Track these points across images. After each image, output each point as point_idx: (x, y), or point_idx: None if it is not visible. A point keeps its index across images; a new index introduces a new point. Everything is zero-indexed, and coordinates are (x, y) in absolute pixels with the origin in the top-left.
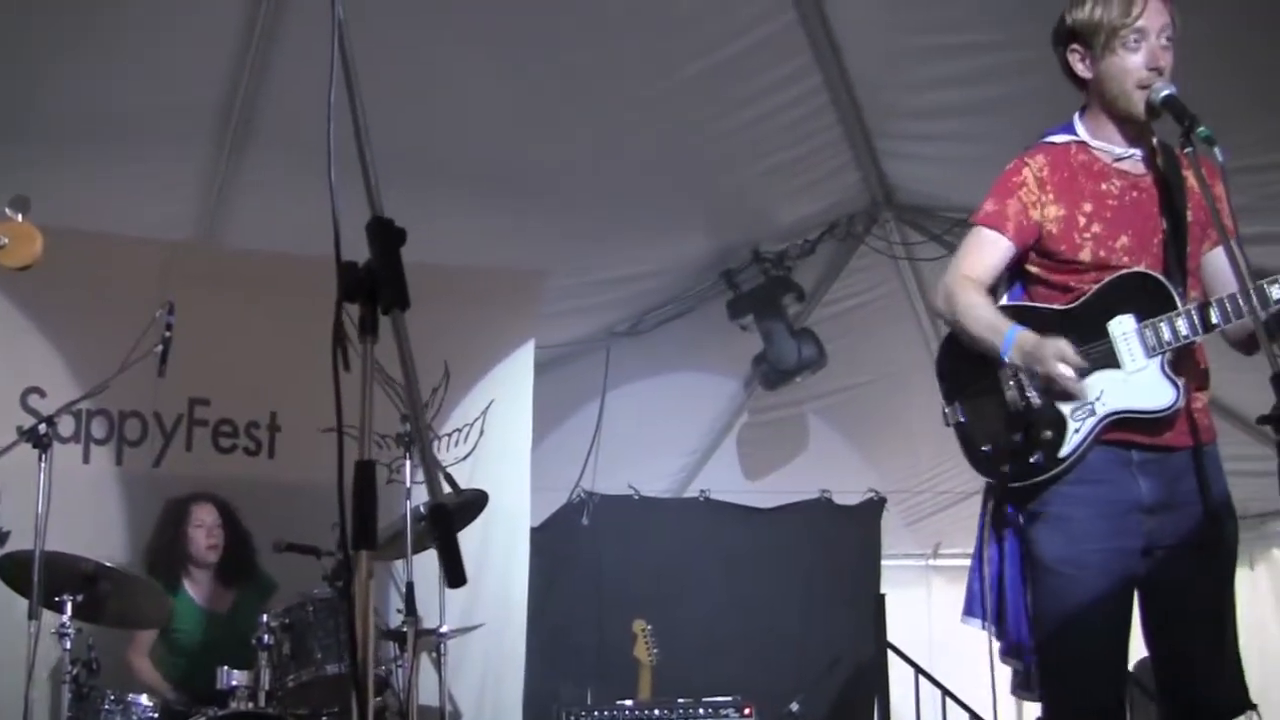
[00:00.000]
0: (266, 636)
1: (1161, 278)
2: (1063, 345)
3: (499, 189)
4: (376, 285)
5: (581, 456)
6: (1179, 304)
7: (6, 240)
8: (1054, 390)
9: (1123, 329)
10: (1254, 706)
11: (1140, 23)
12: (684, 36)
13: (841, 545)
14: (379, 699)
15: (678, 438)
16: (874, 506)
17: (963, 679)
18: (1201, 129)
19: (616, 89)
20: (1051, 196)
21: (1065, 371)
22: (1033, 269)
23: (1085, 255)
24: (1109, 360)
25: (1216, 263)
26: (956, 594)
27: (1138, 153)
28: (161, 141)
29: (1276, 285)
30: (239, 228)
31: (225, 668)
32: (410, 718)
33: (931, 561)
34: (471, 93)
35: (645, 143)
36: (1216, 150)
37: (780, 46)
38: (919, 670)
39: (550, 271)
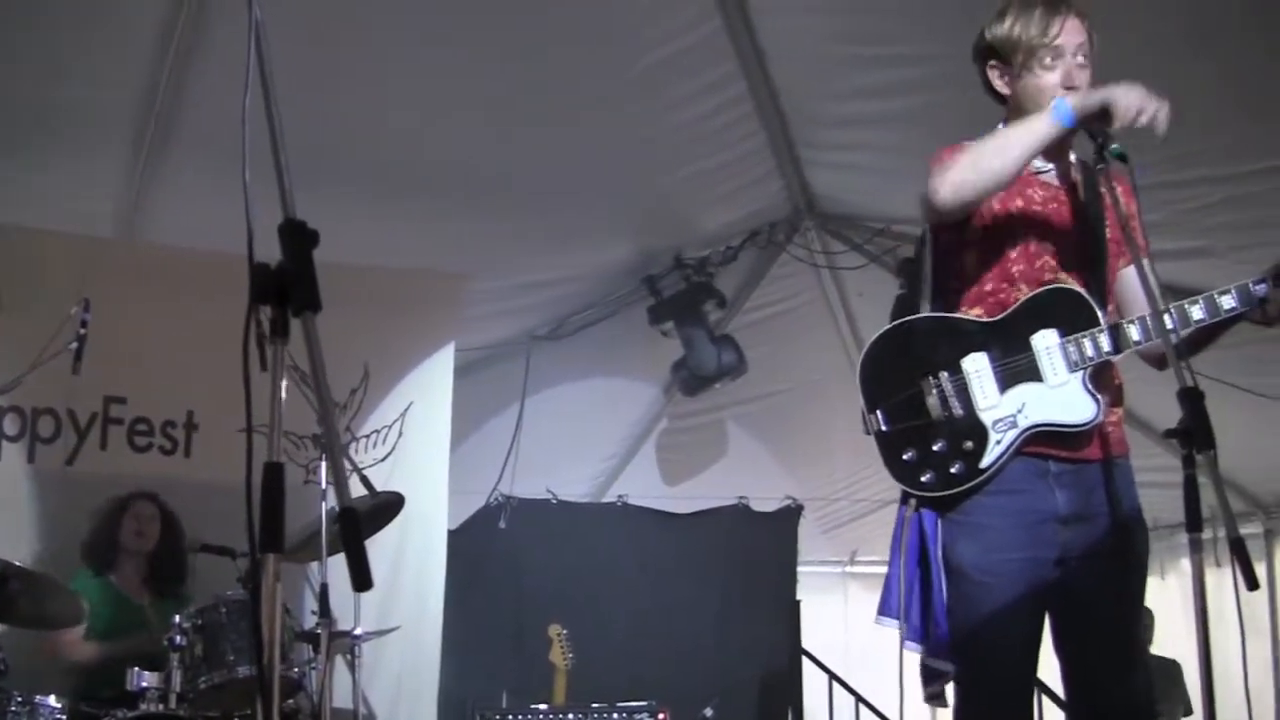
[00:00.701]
0: (179, 637)
1: (1085, 294)
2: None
3: (422, 192)
4: (287, 287)
5: (500, 460)
6: (1101, 320)
7: None
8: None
9: (1045, 343)
10: (1160, 715)
11: (1058, 41)
12: (609, 43)
13: (758, 552)
14: (291, 702)
15: (597, 442)
16: (791, 513)
17: (877, 686)
18: (1114, 146)
19: (542, 94)
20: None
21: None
22: (963, 267)
23: (1004, 259)
24: (1032, 374)
25: (1131, 277)
26: (873, 601)
27: (1053, 167)
28: (81, 139)
29: (1196, 306)
30: (158, 226)
31: (136, 669)
32: None
33: (848, 569)
34: (396, 97)
35: (569, 148)
36: (1129, 166)
37: (705, 54)
38: (833, 676)
39: (471, 274)
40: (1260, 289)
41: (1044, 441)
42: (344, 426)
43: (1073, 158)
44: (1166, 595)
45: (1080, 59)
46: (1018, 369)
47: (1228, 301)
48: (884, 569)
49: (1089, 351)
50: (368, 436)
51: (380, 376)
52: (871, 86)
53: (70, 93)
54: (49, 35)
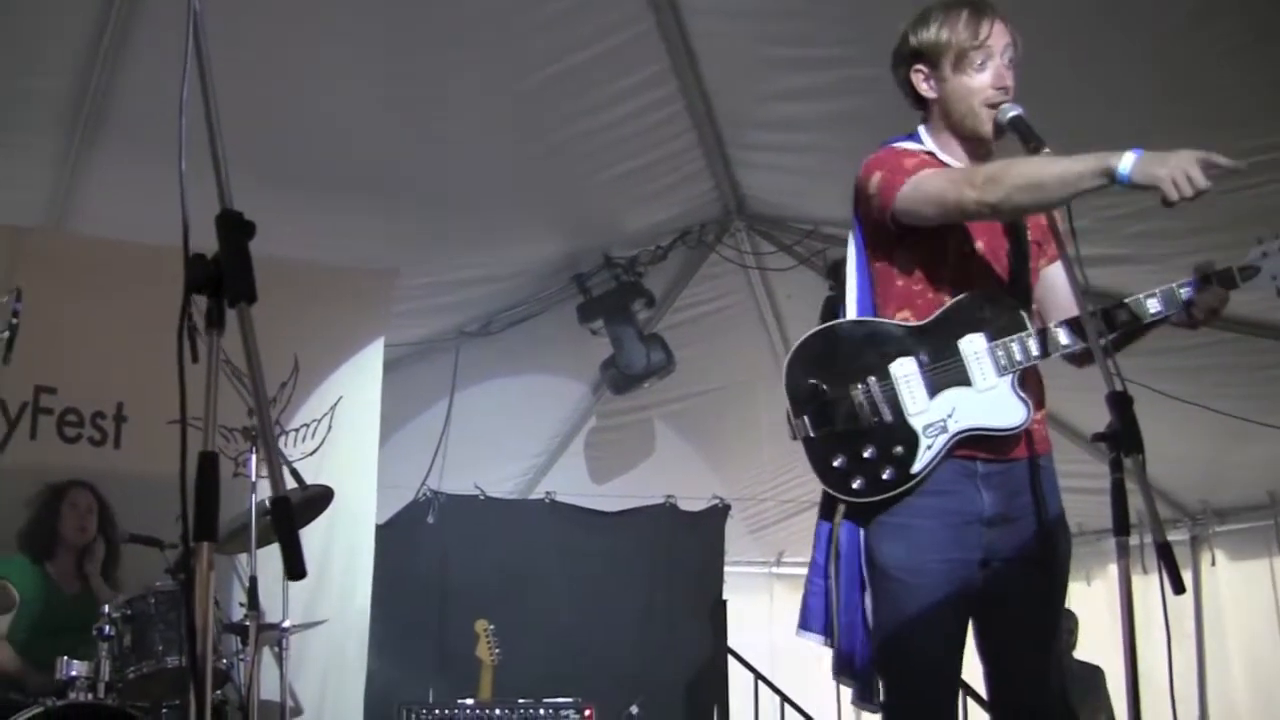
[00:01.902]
0: (107, 628)
1: (1011, 299)
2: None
3: (353, 188)
4: (223, 278)
5: (429, 455)
6: (1028, 324)
7: None
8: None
9: (974, 347)
10: (1076, 718)
11: (988, 43)
12: (540, 40)
13: (685, 551)
14: (219, 693)
15: (525, 439)
16: (718, 513)
17: (802, 686)
18: (1045, 150)
19: (472, 91)
20: None
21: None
22: (892, 266)
23: (948, 261)
24: (960, 378)
25: (1052, 278)
26: (798, 602)
27: None
28: (12, 127)
29: (1121, 310)
30: (90, 216)
31: (65, 658)
32: (251, 712)
33: (775, 569)
34: (327, 93)
35: (499, 145)
36: None
37: (636, 53)
38: (759, 676)
39: (401, 270)
40: (1186, 292)
41: (972, 445)
42: (274, 419)
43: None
44: (1092, 601)
45: (1007, 61)
46: (946, 373)
47: (1153, 305)
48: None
49: (1017, 355)
50: (297, 430)
51: (310, 370)
52: (802, 89)
53: (1, 82)
54: None
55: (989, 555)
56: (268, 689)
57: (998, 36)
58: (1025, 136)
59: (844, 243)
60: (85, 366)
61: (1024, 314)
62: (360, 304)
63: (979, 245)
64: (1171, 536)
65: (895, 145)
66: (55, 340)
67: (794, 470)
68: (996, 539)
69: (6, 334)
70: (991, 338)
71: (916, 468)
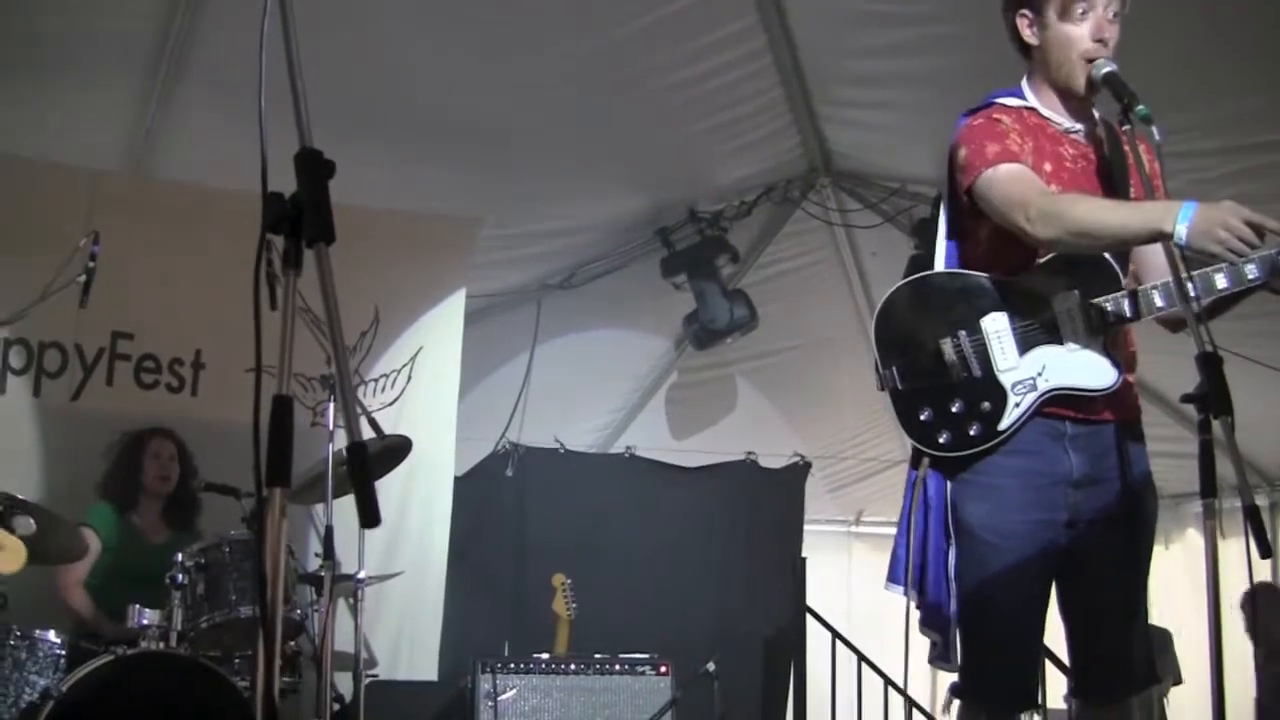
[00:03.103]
0: (180, 576)
1: (1109, 256)
2: (1240, 213)
3: (437, 138)
4: (301, 217)
5: (509, 408)
6: (1122, 283)
7: None
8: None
9: (1066, 304)
10: (1159, 680)
11: None
12: None
13: (764, 508)
14: (293, 644)
15: (606, 393)
16: (798, 471)
17: (880, 646)
18: (1140, 108)
19: (559, 41)
20: (1020, 145)
21: (1242, 239)
22: (982, 224)
23: None
24: (1052, 335)
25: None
26: (878, 561)
27: (1081, 127)
28: (94, 71)
29: (1220, 274)
30: (169, 161)
31: (136, 606)
32: (324, 664)
33: (854, 529)
34: (412, 41)
35: (585, 96)
36: (1154, 129)
37: (726, 6)
38: (836, 635)
39: (484, 220)
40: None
41: (1061, 404)
42: (353, 369)
43: (1097, 115)
44: (1170, 564)
45: (1110, 14)
46: (1037, 331)
47: (1252, 271)
48: (890, 530)
49: (1110, 315)
50: (376, 380)
51: (390, 320)
52: (891, 45)
53: (81, 24)
54: None
55: (1075, 516)
56: (342, 640)
57: None
58: (1119, 93)
59: (929, 201)
60: (163, 312)
61: (1118, 272)
62: (442, 254)
63: None
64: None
65: (995, 102)
66: (133, 286)
67: (875, 429)
68: (1082, 500)
69: (84, 277)
70: (1084, 296)
71: (1004, 424)
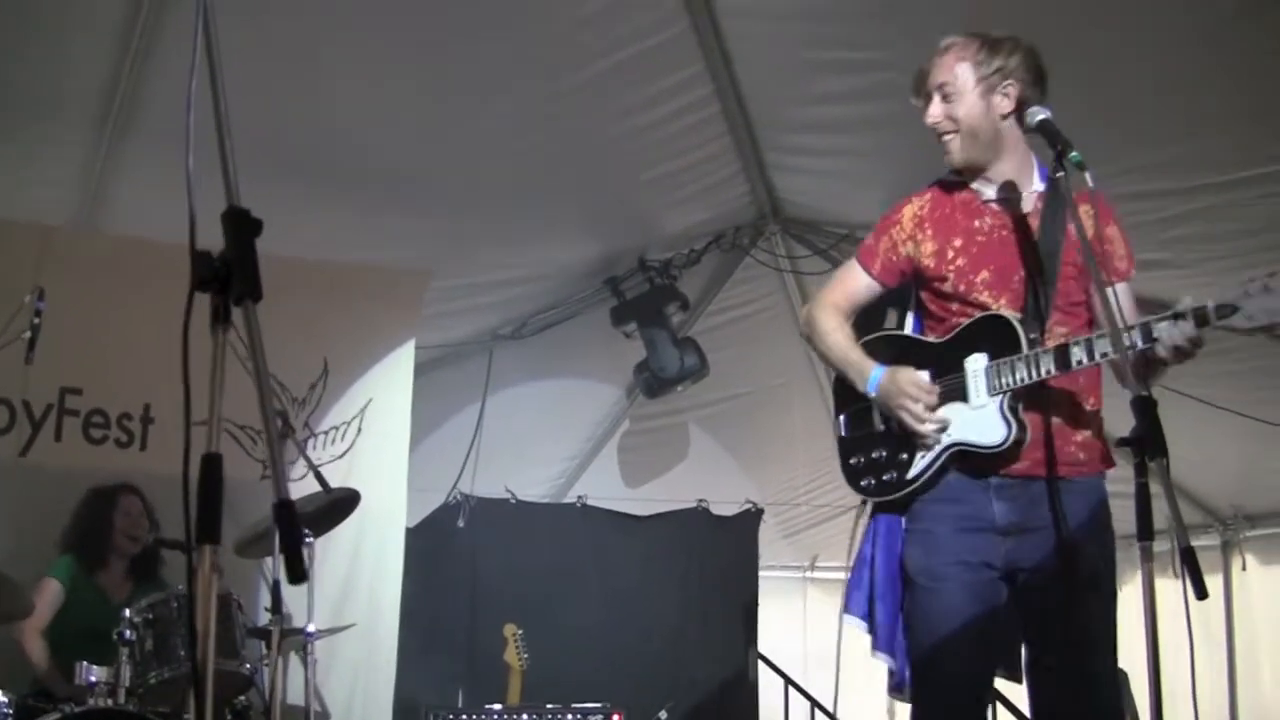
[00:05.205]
0: (128, 631)
1: (1015, 321)
2: (915, 384)
3: (385, 189)
4: (230, 275)
5: (460, 459)
6: (1024, 348)
7: None
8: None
9: (974, 366)
10: None
11: (928, 79)
12: (575, 41)
13: (717, 555)
14: (243, 698)
15: (558, 443)
16: (751, 518)
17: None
18: (1074, 154)
19: (507, 92)
20: (930, 232)
21: (911, 421)
22: (923, 298)
23: (949, 287)
24: (960, 394)
25: (1120, 295)
26: (832, 606)
27: (1007, 196)
28: (41, 126)
29: (1162, 325)
30: (118, 216)
31: (84, 663)
32: (274, 717)
33: (809, 574)
34: (360, 92)
35: (533, 147)
36: (1087, 175)
37: (672, 55)
38: (789, 681)
39: (434, 272)
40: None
41: (971, 459)
42: (303, 422)
43: (1037, 184)
44: (1123, 605)
45: (939, 95)
46: (950, 389)
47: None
48: (844, 575)
49: (1006, 378)
50: (326, 433)
51: (340, 372)
52: (837, 92)
53: (29, 79)
54: (9, 19)
55: (1011, 563)
56: (296, 694)
57: (935, 72)
58: (1052, 140)
59: None
60: (112, 367)
61: (1021, 336)
62: (392, 305)
63: (984, 274)
64: (1203, 541)
65: (941, 179)
66: (81, 341)
67: (828, 474)
68: (1014, 548)
69: (28, 334)
70: (991, 358)
71: (912, 474)
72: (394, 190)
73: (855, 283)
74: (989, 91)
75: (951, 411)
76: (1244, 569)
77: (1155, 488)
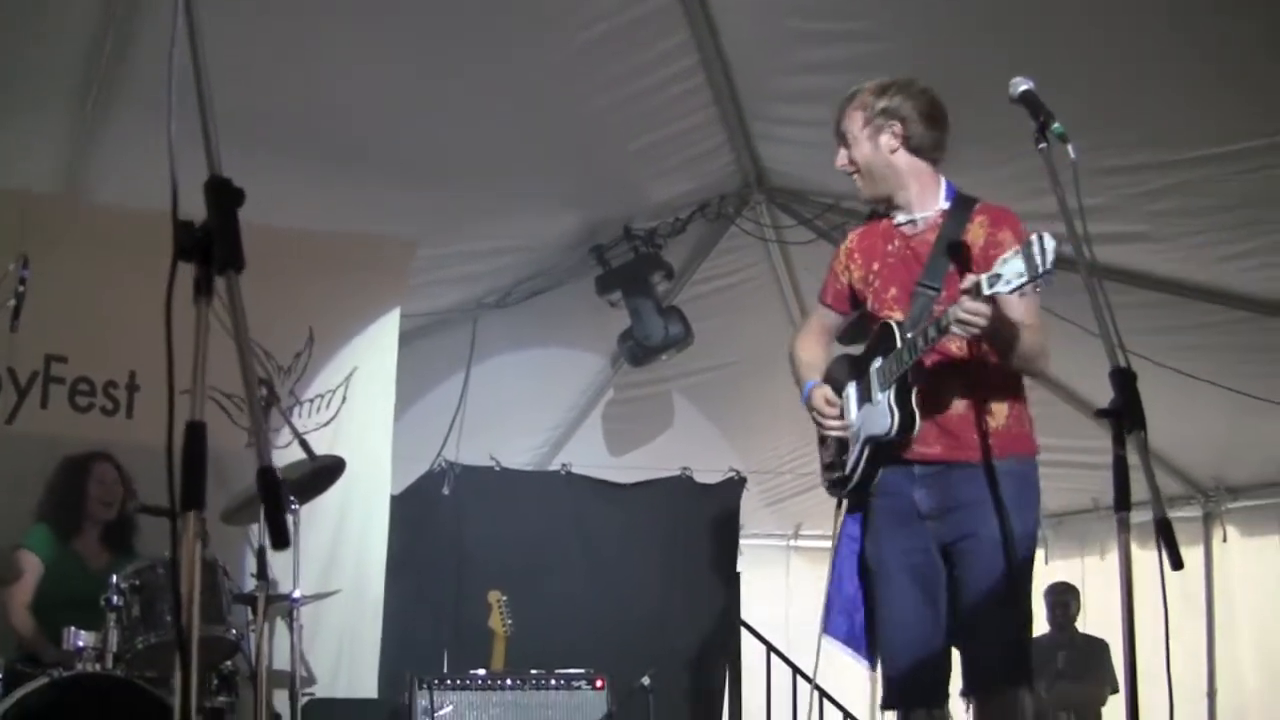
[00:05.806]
0: (115, 598)
1: (894, 324)
2: (823, 399)
3: (371, 159)
4: (211, 245)
5: (445, 427)
6: (897, 343)
7: None
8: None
9: (874, 368)
10: (1029, 679)
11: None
12: (559, 10)
13: (700, 523)
14: (229, 663)
15: (542, 411)
16: (734, 485)
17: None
18: (1056, 126)
19: (491, 62)
20: (859, 260)
21: (822, 428)
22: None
23: (871, 306)
24: (869, 395)
25: (1005, 301)
26: (816, 574)
27: (914, 217)
28: (25, 95)
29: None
30: (101, 184)
31: (71, 629)
32: (260, 682)
33: (792, 542)
34: (345, 63)
35: (518, 116)
36: (1069, 147)
37: (657, 24)
38: (771, 648)
39: (419, 241)
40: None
41: (882, 449)
42: (288, 390)
43: (942, 203)
44: (1107, 574)
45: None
46: (863, 392)
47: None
48: (828, 543)
49: (890, 372)
50: (312, 401)
51: (325, 341)
52: (823, 62)
53: (9, 47)
54: None
55: (940, 541)
56: (283, 659)
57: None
58: (1034, 111)
59: (862, 218)
60: (97, 335)
61: (897, 335)
62: (377, 274)
63: (893, 290)
64: (1184, 513)
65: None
66: (67, 309)
67: (811, 444)
68: (940, 528)
69: (13, 302)
70: (883, 358)
71: (848, 471)
72: (380, 160)
73: (819, 314)
74: (876, 133)
75: (864, 411)
76: (1225, 540)
77: (1134, 460)
